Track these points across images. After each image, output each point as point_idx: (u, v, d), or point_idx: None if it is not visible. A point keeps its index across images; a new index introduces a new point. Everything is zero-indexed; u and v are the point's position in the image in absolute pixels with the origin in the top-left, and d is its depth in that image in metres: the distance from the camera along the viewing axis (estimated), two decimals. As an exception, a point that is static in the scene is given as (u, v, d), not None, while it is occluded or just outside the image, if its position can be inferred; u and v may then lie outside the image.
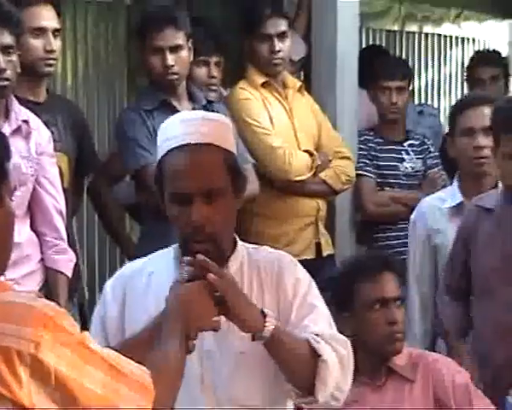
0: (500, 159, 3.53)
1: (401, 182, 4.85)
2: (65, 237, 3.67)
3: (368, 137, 4.89)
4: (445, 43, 7.90)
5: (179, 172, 2.29)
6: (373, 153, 4.85)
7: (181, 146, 2.30)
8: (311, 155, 4.44)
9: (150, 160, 3.58)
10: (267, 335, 2.23)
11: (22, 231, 3.48)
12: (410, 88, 5.18)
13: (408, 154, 4.90)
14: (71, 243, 3.79)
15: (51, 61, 3.83)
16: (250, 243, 2.52)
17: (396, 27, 7.33)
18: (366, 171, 4.78)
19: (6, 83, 3.42)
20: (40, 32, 3.76)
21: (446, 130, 5.95)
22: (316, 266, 4.09)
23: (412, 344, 3.70)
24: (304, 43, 4.95)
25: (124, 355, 1.92)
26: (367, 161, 4.81)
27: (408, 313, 3.88)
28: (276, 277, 2.40)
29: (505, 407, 3.35)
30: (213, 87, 4.47)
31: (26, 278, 3.51)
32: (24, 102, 3.64)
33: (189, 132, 2.31)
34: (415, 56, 7.63)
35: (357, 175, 4.67)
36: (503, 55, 5.63)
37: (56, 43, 3.83)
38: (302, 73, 5.00)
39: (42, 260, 3.62)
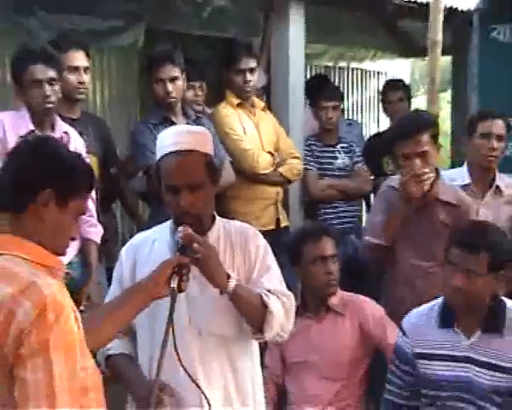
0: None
1: (335, 174, 4.82)
2: (95, 214, 3.62)
3: (311, 142, 4.87)
4: (366, 75, 7.94)
5: (171, 171, 2.28)
6: (315, 153, 4.82)
7: (172, 152, 2.28)
8: (272, 155, 4.41)
9: (156, 160, 3.53)
10: (230, 290, 2.22)
11: None
12: (342, 107, 5.16)
13: (340, 153, 4.88)
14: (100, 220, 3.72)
15: (82, 90, 3.84)
16: (227, 218, 2.49)
17: (331, 64, 7.31)
18: (311, 166, 4.75)
19: (51, 105, 3.42)
20: (75, 69, 3.77)
21: (367, 137, 6.01)
22: (276, 235, 4.15)
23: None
24: (265, 74, 4.91)
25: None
26: (311, 159, 4.78)
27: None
28: (244, 243, 2.38)
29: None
30: (199, 103, 4.47)
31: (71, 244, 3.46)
32: (64, 119, 3.62)
33: (178, 142, 2.29)
34: (344, 84, 7.65)
35: (305, 169, 4.65)
36: (406, 83, 5.63)
37: (86, 78, 3.84)
38: (265, 97, 4.97)
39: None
